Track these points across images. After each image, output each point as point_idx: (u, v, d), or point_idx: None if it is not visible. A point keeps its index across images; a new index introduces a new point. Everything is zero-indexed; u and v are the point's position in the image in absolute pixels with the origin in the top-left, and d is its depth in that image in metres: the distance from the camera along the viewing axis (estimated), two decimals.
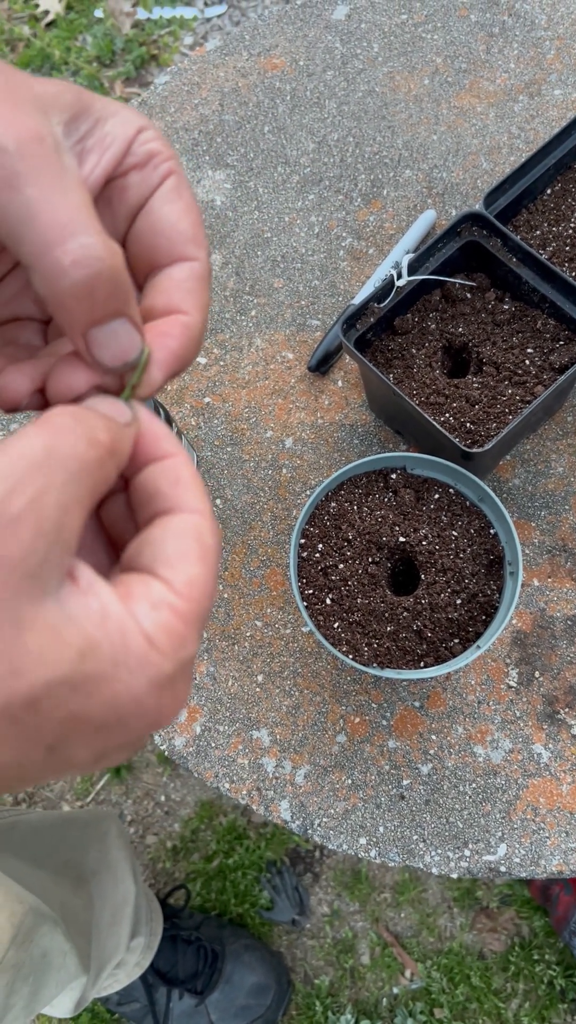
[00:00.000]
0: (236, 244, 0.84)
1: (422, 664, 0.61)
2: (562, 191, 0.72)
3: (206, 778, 0.69)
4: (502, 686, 0.69)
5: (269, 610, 0.73)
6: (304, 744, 0.69)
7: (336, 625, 0.62)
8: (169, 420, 0.68)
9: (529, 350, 0.66)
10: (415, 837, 0.66)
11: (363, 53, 0.89)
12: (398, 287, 0.67)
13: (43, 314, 0.32)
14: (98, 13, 1.84)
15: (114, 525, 0.30)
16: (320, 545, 0.64)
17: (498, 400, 0.65)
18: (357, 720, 0.69)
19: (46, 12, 1.86)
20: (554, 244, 0.70)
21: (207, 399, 0.79)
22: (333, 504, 0.65)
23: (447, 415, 0.65)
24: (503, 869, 0.64)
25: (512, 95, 0.85)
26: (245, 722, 0.70)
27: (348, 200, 0.84)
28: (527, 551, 0.71)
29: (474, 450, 0.61)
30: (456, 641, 0.61)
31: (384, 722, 0.69)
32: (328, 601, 0.62)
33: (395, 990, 1.25)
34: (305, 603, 0.62)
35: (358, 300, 0.79)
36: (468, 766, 0.67)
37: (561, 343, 0.66)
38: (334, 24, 0.90)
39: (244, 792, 0.68)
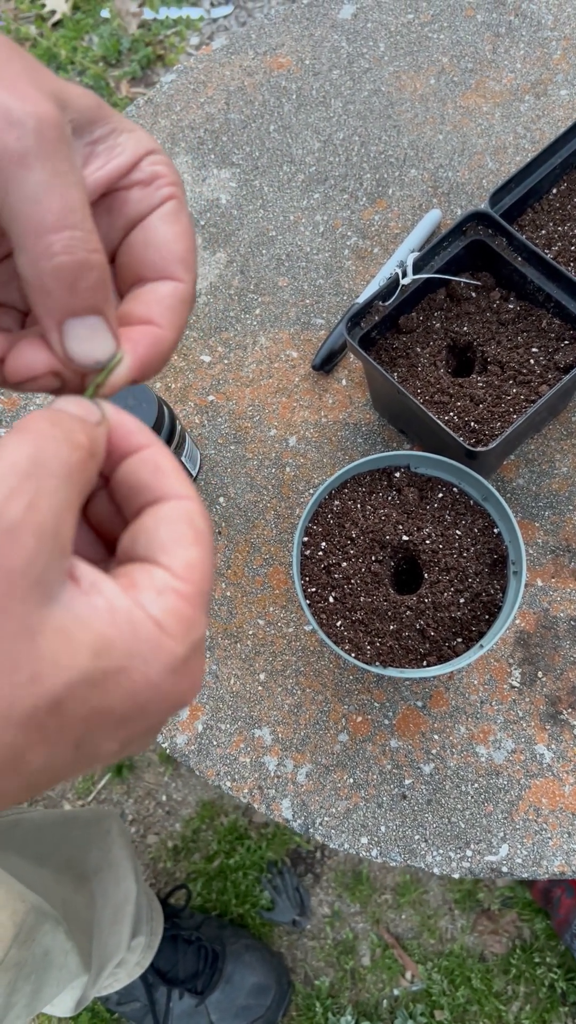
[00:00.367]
0: (241, 242, 0.84)
1: (425, 663, 0.61)
2: (568, 191, 0.72)
3: (208, 776, 0.69)
4: (505, 686, 0.68)
5: (272, 608, 0.73)
6: (306, 743, 0.69)
7: (339, 623, 0.62)
8: (172, 418, 0.68)
9: (534, 349, 0.66)
10: (417, 837, 0.66)
11: (369, 52, 0.89)
12: (403, 286, 0.66)
13: (25, 304, 0.32)
14: (104, 13, 1.84)
15: (101, 522, 0.30)
16: (323, 543, 0.64)
17: (503, 399, 0.65)
18: (359, 719, 0.69)
19: (52, 12, 1.86)
20: (559, 243, 0.70)
21: (211, 397, 0.79)
22: (336, 502, 0.64)
23: (451, 414, 0.65)
24: (505, 869, 0.64)
25: (518, 95, 0.85)
26: (247, 720, 0.70)
27: (353, 199, 0.84)
28: (531, 551, 0.71)
29: (478, 449, 0.60)
30: (459, 640, 0.61)
31: (386, 721, 0.69)
32: (331, 599, 0.62)
33: (396, 992, 1.25)
34: (308, 601, 0.62)
35: (363, 299, 0.79)
36: (470, 766, 0.67)
37: (566, 343, 0.66)
38: (340, 23, 0.90)
39: (246, 791, 0.68)
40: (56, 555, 0.22)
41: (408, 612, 0.61)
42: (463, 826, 0.66)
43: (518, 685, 0.68)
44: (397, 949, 1.26)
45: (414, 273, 0.67)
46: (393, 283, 0.66)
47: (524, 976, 1.22)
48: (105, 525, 0.30)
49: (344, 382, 0.78)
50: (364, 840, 0.66)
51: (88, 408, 0.27)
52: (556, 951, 1.23)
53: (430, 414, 0.62)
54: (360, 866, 1.30)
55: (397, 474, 0.65)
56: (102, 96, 1.79)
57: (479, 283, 0.69)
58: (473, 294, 0.69)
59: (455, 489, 0.64)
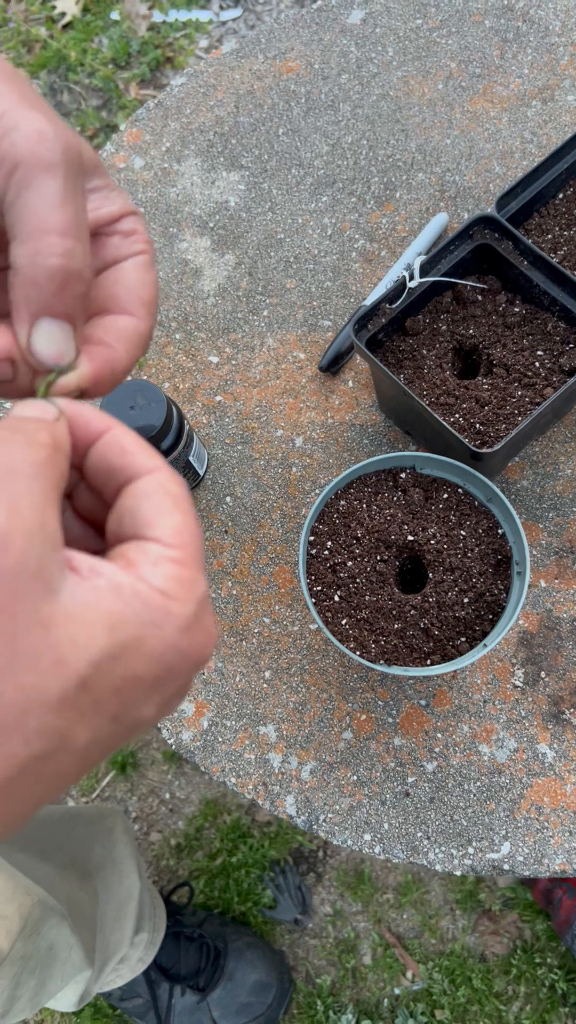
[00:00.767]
0: (249, 245, 0.84)
1: (429, 662, 0.61)
2: (574, 195, 0.72)
3: (213, 772, 0.70)
4: (508, 686, 0.69)
5: (277, 607, 0.73)
6: (310, 740, 0.70)
7: (344, 622, 0.62)
8: (181, 418, 0.69)
9: (539, 352, 0.67)
10: (419, 834, 0.66)
11: (378, 57, 0.90)
12: (410, 288, 0.67)
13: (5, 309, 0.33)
14: (114, 15, 1.85)
15: (90, 512, 0.31)
16: (329, 542, 0.64)
17: (508, 402, 0.66)
18: (363, 717, 0.70)
19: (63, 14, 1.87)
20: (565, 248, 0.71)
21: (218, 397, 0.80)
22: (343, 502, 0.65)
23: (457, 416, 0.66)
24: (506, 867, 0.65)
25: (525, 100, 0.86)
26: (252, 718, 0.71)
27: (361, 202, 0.84)
28: (534, 552, 0.72)
29: (483, 451, 0.61)
30: (463, 640, 0.62)
31: (390, 720, 0.69)
32: (336, 598, 0.63)
33: (396, 991, 1.25)
34: (313, 600, 0.63)
35: (370, 301, 0.79)
36: (473, 764, 0.68)
37: (571, 346, 0.66)
38: (349, 28, 0.91)
39: (250, 787, 0.69)
40: (48, 549, 0.24)
41: (412, 611, 0.62)
42: (465, 824, 0.66)
43: (521, 685, 0.69)
44: (398, 948, 1.27)
45: (421, 276, 0.67)
46: (400, 286, 0.67)
47: (525, 977, 1.23)
48: (94, 515, 0.31)
49: (351, 383, 0.79)
50: (367, 837, 0.67)
51: (43, 408, 0.28)
52: (557, 952, 1.24)
53: (436, 415, 0.63)
54: (362, 865, 1.31)
55: (403, 475, 0.66)
56: (111, 98, 1.80)
57: (485, 286, 0.70)
58: (479, 297, 0.70)
59: (460, 490, 0.65)
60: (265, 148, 0.88)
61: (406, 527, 0.64)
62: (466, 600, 0.62)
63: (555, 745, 0.67)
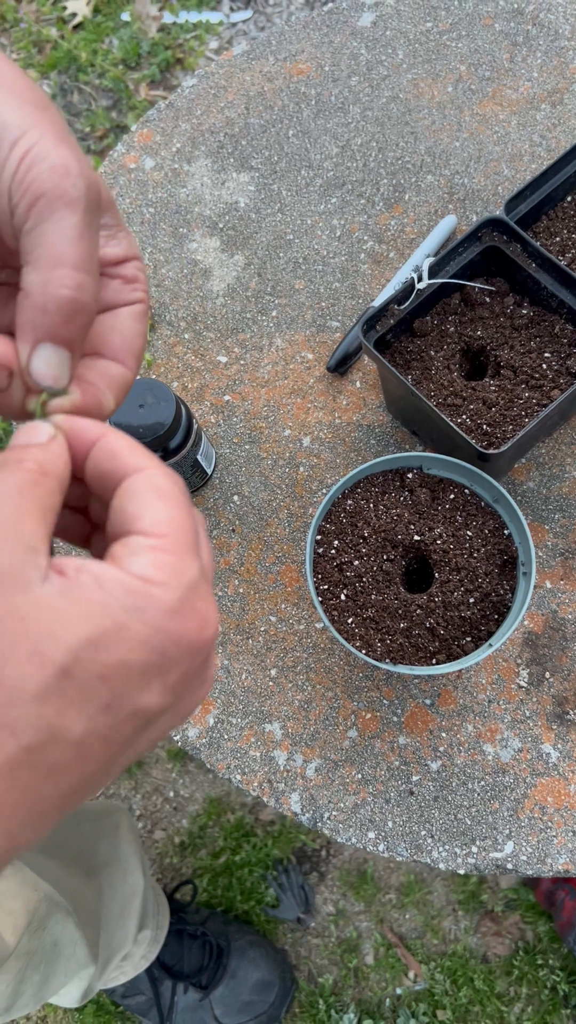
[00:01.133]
0: (259, 245, 0.85)
1: (434, 661, 0.62)
2: None
3: (218, 769, 0.70)
4: (512, 686, 0.69)
5: (283, 606, 0.74)
6: (315, 738, 0.70)
7: (350, 621, 0.63)
8: (190, 417, 0.69)
9: (546, 354, 0.67)
10: (423, 833, 0.67)
11: (388, 60, 0.90)
12: (418, 290, 0.68)
13: (10, 326, 0.35)
14: (125, 16, 1.86)
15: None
16: (336, 542, 0.65)
17: (515, 403, 0.66)
18: (368, 716, 0.70)
19: (73, 15, 1.88)
20: (573, 250, 0.71)
21: (227, 397, 0.80)
22: (350, 502, 0.66)
23: (464, 416, 0.66)
24: (510, 866, 0.65)
25: (535, 103, 0.86)
26: (258, 715, 0.71)
27: (370, 204, 0.85)
28: (540, 554, 0.72)
29: (490, 452, 0.61)
30: (468, 639, 0.62)
31: (395, 718, 0.70)
32: (343, 597, 0.63)
33: (398, 991, 1.25)
34: (320, 598, 0.63)
35: (378, 303, 0.80)
36: (477, 764, 0.68)
37: None
38: (360, 31, 0.92)
39: (255, 784, 0.69)
40: (24, 553, 0.25)
41: (418, 611, 0.62)
42: (469, 823, 0.67)
43: (525, 685, 0.69)
44: (400, 948, 1.27)
45: (430, 278, 0.68)
46: (409, 287, 0.67)
47: (526, 978, 1.23)
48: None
49: (358, 384, 0.79)
50: (371, 835, 0.67)
51: (35, 432, 0.30)
52: (559, 954, 1.24)
53: (443, 416, 0.63)
54: (365, 865, 1.31)
55: (410, 475, 0.66)
56: (121, 98, 1.81)
57: (493, 288, 0.70)
58: (487, 299, 0.70)
59: (467, 491, 0.65)
60: (275, 149, 0.88)
61: (413, 527, 0.64)
62: (472, 600, 0.62)
63: (559, 745, 0.68)
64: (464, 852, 0.66)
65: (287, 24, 0.93)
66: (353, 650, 0.60)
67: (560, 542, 0.72)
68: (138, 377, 0.69)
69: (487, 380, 0.68)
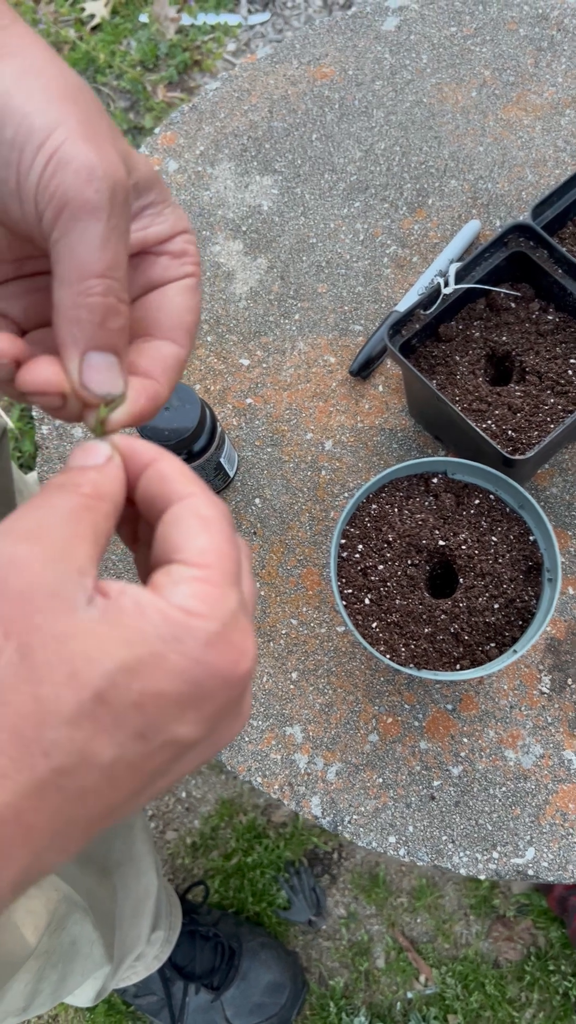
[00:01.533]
0: (282, 249, 0.85)
1: (458, 666, 0.62)
2: None
3: (239, 772, 0.70)
4: (534, 692, 0.69)
5: (305, 609, 0.74)
6: (336, 742, 0.70)
7: (374, 625, 0.63)
8: (214, 420, 0.69)
9: (572, 360, 0.67)
10: (444, 838, 0.67)
11: (412, 64, 0.90)
12: (444, 295, 0.68)
13: (26, 321, 0.35)
14: (143, 18, 1.87)
15: None
16: (360, 546, 0.65)
17: (540, 409, 0.66)
18: (389, 720, 0.70)
19: (92, 16, 1.89)
20: None
21: (249, 400, 0.81)
22: (374, 506, 0.66)
23: (489, 422, 0.66)
24: (531, 873, 0.65)
25: (559, 109, 0.86)
26: (279, 718, 0.71)
27: (393, 208, 0.85)
28: (563, 559, 0.72)
29: (516, 457, 0.61)
30: (492, 645, 0.62)
31: (416, 723, 0.70)
32: (367, 601, 0.63)
33: (409, 995, 1.25)
34: (344, 602, 0.64)
35: (402, 307, 0.80)
36: (498, 770, 0.68)
37: None
38: (384, 35, 0.92)
39: (276, 787, 0.69)
40: (69, 573, 0.25)
41: (443, 616, 0.62)
42: (490, 828, 0.67)
43: (548, 691, 0.69)
44: (412, 952, 1.27)
45: (456, 283, 0.68)
46: (435, 292, 0.67)
47: (538, 983, 1.23)
48: None
49: (381, 388, 0.79)
50: (392, 839, 0.67)
51: (92, 453, 0.30)
52: (571, 960, 1.24)
53: (469, 421, 0.63)
54: (377, 868, 1.31)
55: (435, 480, 0.66)
56: (138, 99, 1.82)
57: (519, 294, 0.70)
58: (512, 304, 0.70)
59: (491, 496, 0.65)
60: (298, 153, 0.88)
61: (437, 532, 0.64)
62: (496, 606, 0.62)
63: None
64: (485, 858, 0.66)
65: (311, 28, 0.94)
66: (377, 654, 0.61)
67: None
68: None
69: (512, 386, 0.68)
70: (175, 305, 0.34)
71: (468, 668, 0.62)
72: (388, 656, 0.62)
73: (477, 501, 0.65)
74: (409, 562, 0.64)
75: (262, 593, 0.75)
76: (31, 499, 0.28)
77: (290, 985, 1.21)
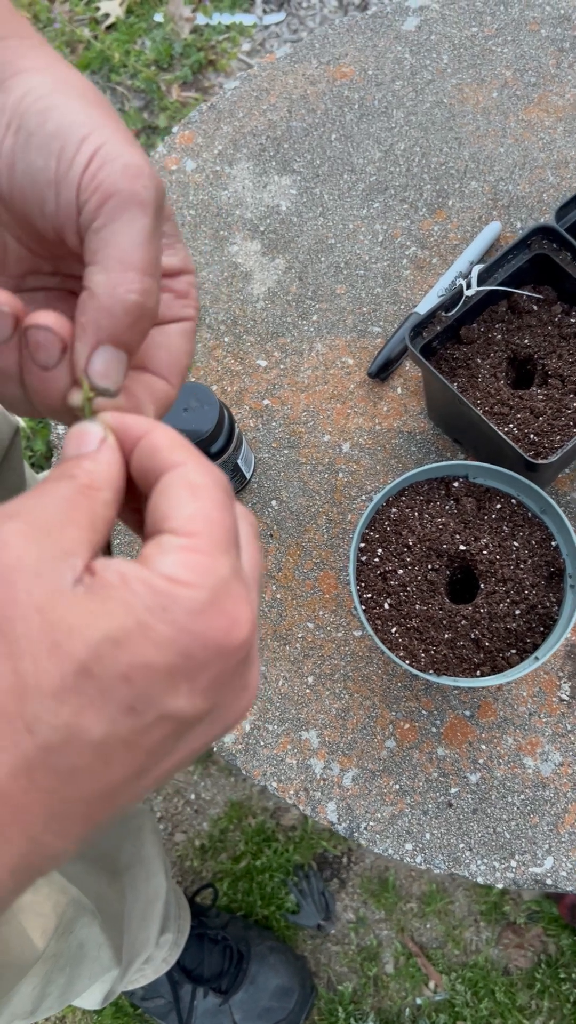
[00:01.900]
0: (300, 249, 0.84)
1: (478, 673, 0.61)
2: None
3: (254, 776, 0.70)
4: (554, 699, 0.69)
5: (321, 612, 0.73)
6: (353, 747, 0.69)
7: (394, 630, 0.62)
8: (232, 420, 0.69)
9: None
10: (461, 845, 0.66)
11: (432, 64, 0.89)
12: (467, 297, 0.67)
13: (14, 273, 0.35)
14: (158, 17, 1.86)
15: None
16: (379, 550, 0.64)
17: (563, 412, 0.65)
18: (407, 726, 0.69)
19: (106, 15, 1.89)
20: None
21: (266, 401, 0.80)
22: (394, 509, 0.65)
23: (511, 425, 0.66)
24: (549, 882, 0.64)
25: None
26: (295, 723, 0.71)
27: (413, 209, 0.84)
28: None
29: (539, 461, 0.61)
30: (513, 652, 0.61)
31: (434, 729, 0.69)
32: (386, 606, 0.63)
33: (418, 1001, 1.24)
34: (363, 607, 0.63)
35: (421, 308, 0.79)
36: (517, 777, 0.67)
37: None
38: (404, 35, 0.91)
39: (291, 792, 0.69)
40: (54, 552, 0.24)
41: (463, 621, 0.62)
42: (508, 836, 0.66)
43: (567, 698, 0.68)
44: (421, 958, 1.26)
45: (478, 285, 0.67)
46: (456, 294, 0.67)
47: (548, 991, 1.22)
48: None
49: (399, 390, 0.79)
50: (408, 846, 0.66)
51: (83, 438, 0.29)
52: None
53: (491, 425, 0.62)
54: (386, 873, 1.30)
55: (455, 484, 0.65)
56: (153, 99, 1.81)
57: (541, 296, 0.69)
58: (535, 307, 0.69)
59: (513, 500, 0.64)
60: (317, 153, 0.88)
61: (458, 536, 0.64)
62: (517, 612, 0.62)
63: None
64: (503, 866, 0.65)
65: (330, 27, 0.93)
66: (397, 660, 0.60)
67: None
68: None
69: (534, 389, 0.67)
70: (174, 346, 0.34)
71: (488, 675, 0.61)
72: (408, 662, 0.61)
73: (499, 506, 0.64)
74: (429, 567, 0.63)
75: (278, 596, 0.74)
76: (30, 489, 0.27)
77: (299, 989, 1.20)
